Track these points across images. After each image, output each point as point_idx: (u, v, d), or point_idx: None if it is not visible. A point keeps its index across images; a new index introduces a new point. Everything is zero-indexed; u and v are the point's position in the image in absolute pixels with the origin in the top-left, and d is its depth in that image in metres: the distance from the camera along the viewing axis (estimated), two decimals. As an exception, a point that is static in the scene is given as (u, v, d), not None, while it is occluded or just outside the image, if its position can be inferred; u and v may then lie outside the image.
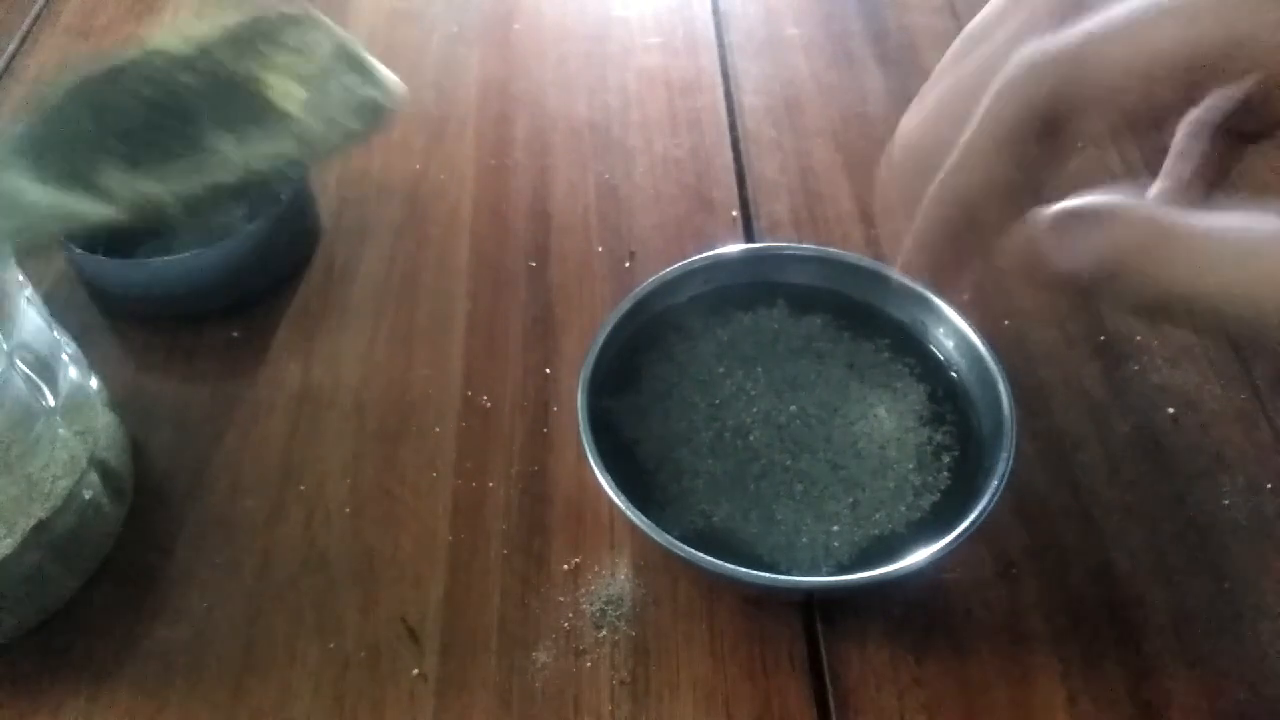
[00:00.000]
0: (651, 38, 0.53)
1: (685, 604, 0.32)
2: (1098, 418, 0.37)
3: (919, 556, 0.29)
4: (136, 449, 0.36)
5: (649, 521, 0.29)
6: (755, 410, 0.34)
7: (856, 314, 0.36)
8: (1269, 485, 0.35)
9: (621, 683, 0.31)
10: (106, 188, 0.25)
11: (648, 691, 0.31)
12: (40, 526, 0.30)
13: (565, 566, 0.33)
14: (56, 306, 0.34)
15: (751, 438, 0.33)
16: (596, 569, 0.33)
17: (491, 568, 0.33)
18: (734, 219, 0.44)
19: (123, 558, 0.34)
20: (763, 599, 0.33)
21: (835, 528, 0.31)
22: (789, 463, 0.33)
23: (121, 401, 0.36)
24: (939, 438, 0.33)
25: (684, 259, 0.36)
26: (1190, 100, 0.17)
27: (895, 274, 0.36)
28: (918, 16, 0.54)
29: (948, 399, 0.34)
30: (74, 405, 0.32)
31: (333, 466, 0.36)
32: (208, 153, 0.26)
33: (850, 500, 0.32)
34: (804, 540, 0.31)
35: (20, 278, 0.31)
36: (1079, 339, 0.40)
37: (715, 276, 0.37)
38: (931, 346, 0.35)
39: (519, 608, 0.32)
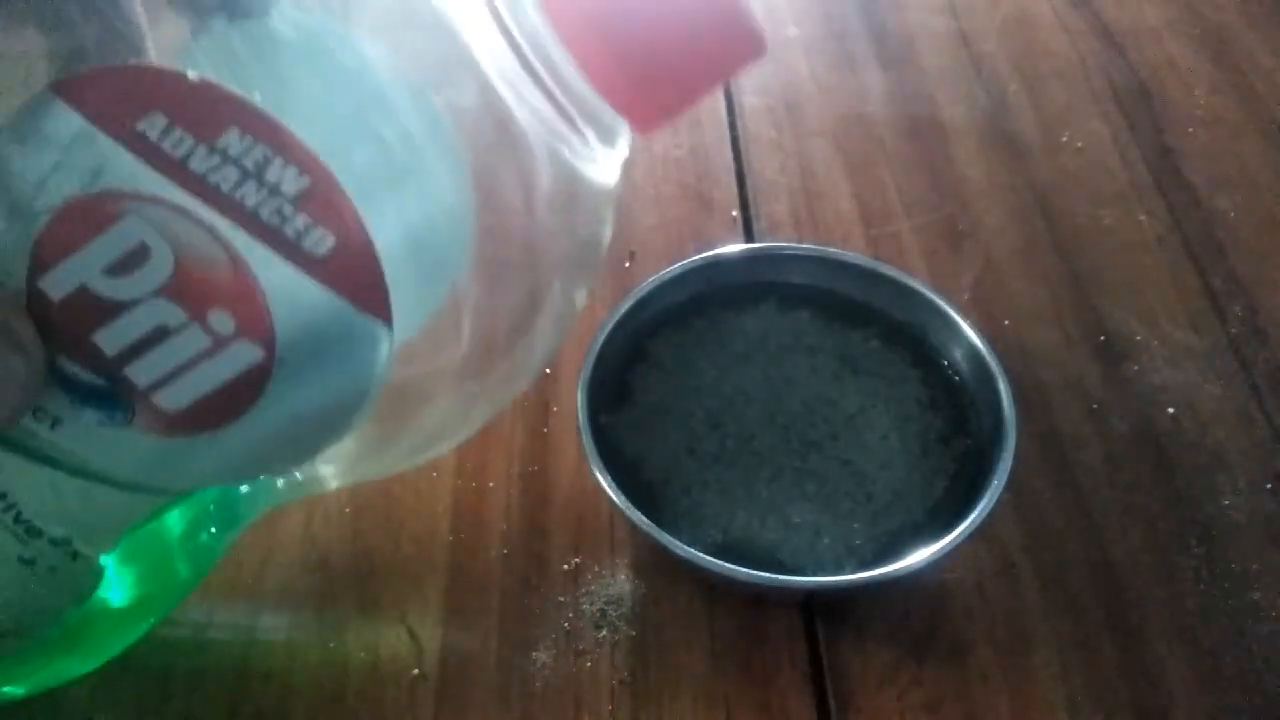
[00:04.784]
0: (651, 38, 0.53)
1: (685, 604, 0.32)
2: (1097, 418, 0.37)
3: (918, 557, 0.29)
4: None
5: (648, 521, 0.29)
6: (755, 413, 0.34)
7: (846, 309, 0.36)
8: (1269, 485, 0.35)
9: (621, 683, 0.31)
10: None
11: (648, 691, 0.31)
12: None
13: (565, 567, 0.33)
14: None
15: (756, 442, 0.33)
16: (596, 569, 0.33)
17: (491, 568, 0.33)
18: (734, 219, 0.44)
19: (123, 558, 0.34)
20: (762, 599, 0.33)
21: (855, 525, 0.31)
22: (798, 463, 0.33)
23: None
24: (939, 424, 0.33)
25: (684, 259, 0.36)
26: None
27: (895, 272, 0.36)
28: (917, 16, 0.54)
29: (943, 385, 0.34)
30: None
31: (333, 466, 0.36)
32: None
33: (864, 494, 0.32)
34: (825, 541, 0.31)
35: None
36: (1079, 339, 0.40)
37: (708, 278, 0.37)
38: (930, 344, 0.35)
39: (519, 608, 0.32)
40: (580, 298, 0.25)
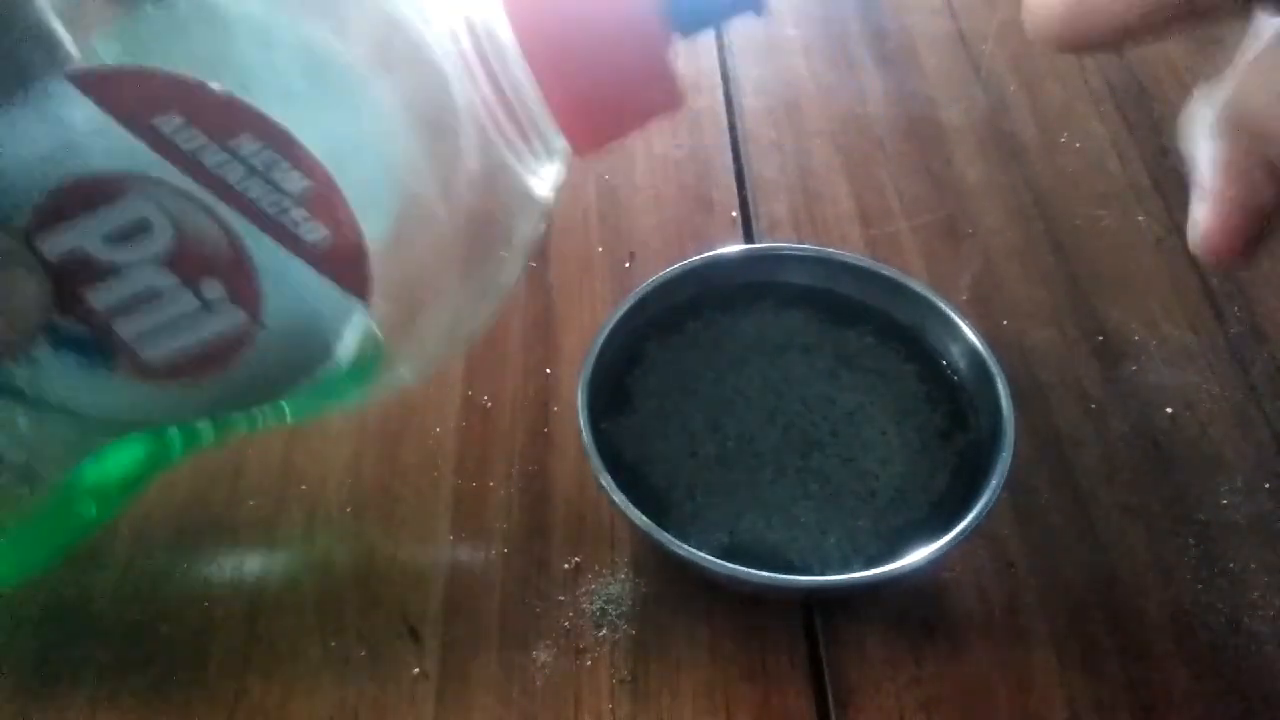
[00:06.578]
0: (651, 39, 0.53)
1: (685, 603, 0.33)
2: (1096, 417, 0.37)
3: (917, 556, 0.29)
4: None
5: (648, 521, 0.29)
6: (754, 413, 0.34)
7: (842, 308, 0.36)
8: (1266, 485, 0.35)
9: (621, 681, 0.31)
10: None
11: (647, 690, 0.31)
12: None
13: (565, 565, 0.33)
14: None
15: (757, 442, 0.33)
16: (597, 568, 0.33)
17: (492, 567, 0.34)
18: (733, 219, 0.44)
19: (125, 557, 0.34)
20: (762, 598, 0.33)
21: (860, 522, 0.31)
22: (799, 463, 0.33)
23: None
24: (938, 419, 0.34)
25: (684, 259, 0.36)
26: None
27: (893, 272, 0.36)
28: (916, 18, 0.54)
29: (940, 382, 0.34)
30: None
31: (333, 466, 0.36)
32: None
33: (868, 491, 0.32)
34: (831, 540, 0.31)
35: None
36: (1077, 339, 0.40)
37: (706, 279, 0.37)
38: (928, 343, 0.35)
39: (519, 606, 0.33)
40: (483, 308, 0.26)
